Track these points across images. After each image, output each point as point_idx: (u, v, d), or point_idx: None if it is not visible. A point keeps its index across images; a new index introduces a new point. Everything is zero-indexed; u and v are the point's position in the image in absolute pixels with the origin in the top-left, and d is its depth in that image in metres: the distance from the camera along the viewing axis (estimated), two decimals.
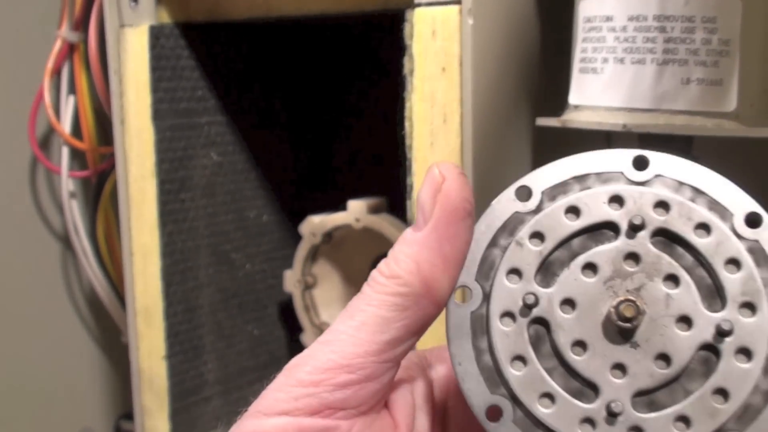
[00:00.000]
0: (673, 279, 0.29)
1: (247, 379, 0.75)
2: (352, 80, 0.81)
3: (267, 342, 0.77)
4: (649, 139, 0.48)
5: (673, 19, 0.44)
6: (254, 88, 0.73)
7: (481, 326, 0.31)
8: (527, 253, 0.30)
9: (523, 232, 0.31)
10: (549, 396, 0.30)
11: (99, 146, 0.79)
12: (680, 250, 0.29)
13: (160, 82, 0.64)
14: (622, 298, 0.29)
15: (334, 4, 0.57)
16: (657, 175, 0.30)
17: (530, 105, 0.57)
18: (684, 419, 0.29)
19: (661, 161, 0.30)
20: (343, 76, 0.81)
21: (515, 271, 0.30)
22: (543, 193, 0.31)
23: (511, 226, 0.31)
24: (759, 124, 0.45)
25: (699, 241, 0.29)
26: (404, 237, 0.31)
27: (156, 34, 0.64)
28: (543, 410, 0.30)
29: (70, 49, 0.78)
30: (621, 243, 0.30)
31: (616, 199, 0.30)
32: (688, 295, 0.29)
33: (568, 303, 0.30)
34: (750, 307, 0.29)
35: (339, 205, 0.70)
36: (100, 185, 0.80)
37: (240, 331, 0.74)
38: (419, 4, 0.51)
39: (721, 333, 0.28)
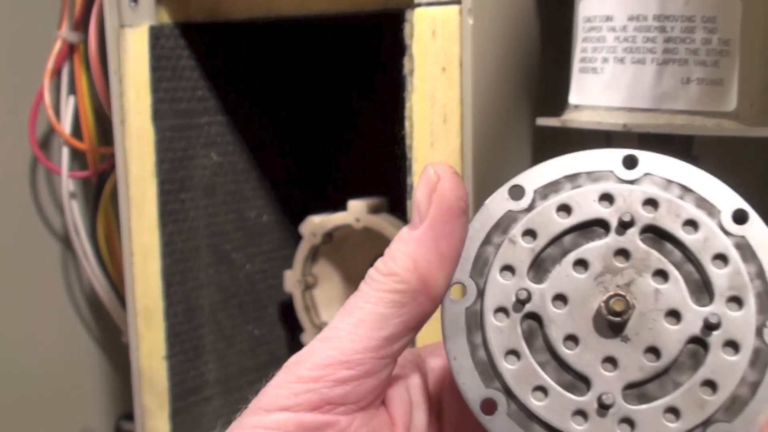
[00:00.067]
0: (662, 274, 0.30)
1: (248, 379, 0.75)
2: (352, 80, 0.81)
3: (267, 342, 0.77)
4: (649, 138, 0.48)
5: (673, 18, 0.44)
6: (254, 88, 0.73)
7: (475, 322, 0.31)
8: (520, 250, 0.31)
9: (516, 230, 0.31)
10: (542, 389, 0.30)
11: (99, 146, 0.79)
12: (669, 246, 0.30)
13: (160, 82, 0.64)
14: (612, 293, 0.30)
15: (334, 4, 0.57)
16: (646, 174, 0.31)
17: (530, 105, 0.57)
18: (673, 411, 0.29)
19: (650, 160, 0.31)
20: (343, 75, 0.81)
21: (508, 268, 0.31)
22: (535, 191, 0.32)
23: (504, 224, 0.32)
24: (759, 124, 0.45)
25: (687, 237, 0.30)
26: (401, 235, 0.32)
27: (156, 35, 0.64)
28: (536, 403, 0.30)
29: (70, 50, 0.78)
30: (611, 240, 0.30)
31: (607, 197, 0.31)
32: (676, 290, 0.30)
33: (560, 298, 0.31)
34: (737, 301, 0.29)
35: (339, 205, 0.70)
36: (100, 185, 0.80)
37: (240, 331, 0.74)
38: (419, 4, 0.51)
39: (709, 326, 0.29)
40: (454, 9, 0.50)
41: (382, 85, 0.76)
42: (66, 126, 0.79)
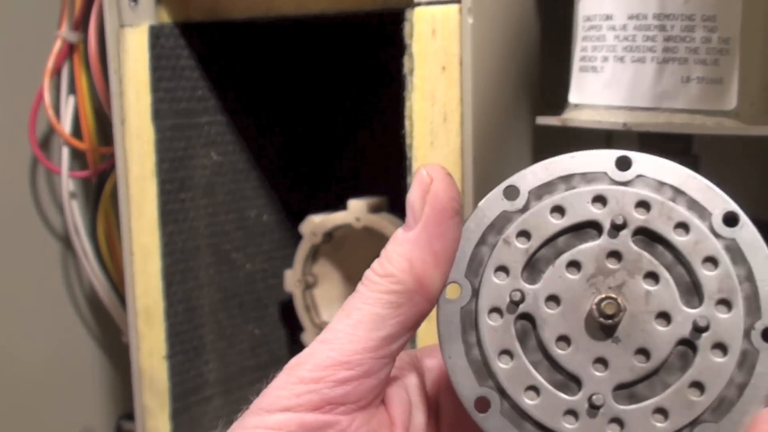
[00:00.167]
0: (653, 276, 0.30)
1: (248, 379, 0.75)
2: (352, 79, 0.81)
3: (268, 341, 0.77)
4: (649, 137, 0.48)
5: (672, 17, 0.44)
6: (254, 88, 0.73)
7: (470, 321, 0.32)
8: (514, 251, 0.31)
9: (511, 231, 0.31)
10: (534, 388, 0.31)
11: (99, 146, 0.79)
12: (660, 248, 0.30)
13: (160, 81, 0.64)
14: (603, 296, 0.30)
15: (334, 4, 0.57)
16: (639, 176, 0.31)
17: (530, 104, 0.57)
18: (662, 411, 0.30)
19: (643, 161, 0.31)
20: (343, 75, 0.81)
21: (503, 269, 0.31)
22: (530, 192, 0.32)
23: (499, 224, 0.32)
24: (759, 123, 0.45)
25: (678, 239, 0.30)
26: (396, 237, 0.32)
27: (156, 34, 0.64)
28: (529, 402, 0.31)
29: (70, 49, 0.78)
30: (604, 241, 0.31)
31: (600, 199, 0.31)
32: (667, 292, 0.30)
33: (553, 299, 0.31)
34: (726, 303, 0.30)
35: (339, 205, 0.70)
36: (100, 185, 0.80)
37: (241, 331, 0.74)
38: (419, 4, 0.51)
39: (698, 329, 0.29)
40: (453, 8, 0.50)
41: (382, 85, 0.76)
42: (66, 126, 0.79)
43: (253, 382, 0.76)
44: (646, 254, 0.30)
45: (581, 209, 0.31)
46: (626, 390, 0.30)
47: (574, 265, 0.31)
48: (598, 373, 0.30)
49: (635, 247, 0.30)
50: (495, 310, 0.31)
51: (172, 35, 0.65)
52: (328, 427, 0.30)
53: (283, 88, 0.76)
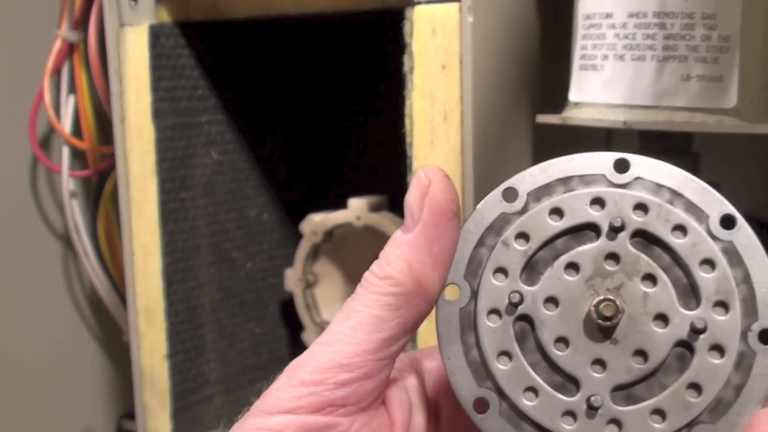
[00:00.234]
0: (651, 278, 0.30)
1: (249, 378, 0.75)
2: (353, 78, 0.81)
3: (268, 340, 0.77)
4: (649, 135, 0.48)
5: (672, 15, 0.44)
6: (254, 87, 0.73)
7: (469, 322, 0.32)
8: (513, 253, 0.31)
9: (509, 233, 0.32)
10: (533, 390, 0.31)
11: (99, 146, 0.79)
12: (658, 250, 0.31)
13: (160, 81, 0.64)
14: (602, 297, 0.30)
15: (334, 2, 0.57)
16: (637, 178, 0.31)
17: (530, 102, 0.57)
18: (660, 412, 0.30)
19: (641, 164, 0.31)
20: (343, 74, 0.81)
21: (501, 270, 0.32)
22: (528, 194, 0.32)
23: (497, 226, 0.32)
24: (759, 121, 0.45)
25: (676, 242, 0.30)
26: (394, 239, 0.32)
27: (156, 33, 0.64)
28: (527, 403, 0.31)
29: (70, 49, 0.78)
30: (602, 243, 0.31)
31: (598, 201, 0.31)
32: (664, 294, 0.30)
33: (552, 301, 0.31)
34: (723, 305, 0.30)
35: (340, 204, 0.70)
36: (100, 185, 0.80)
37: (241, 330, 0.74)
38: (419, 2, 0.51)
39: (695, 330, 0.30)
40: (453, 7, 0.50)
41: (382, 84, 0.76)
42: (66, 125, 0.79)
43: (253, 381, 0.76)
44: (644, 256, 0.30)
45: (580, 211, 0.31)
46: (624, 391, 0.30)
47: (573, 266, 0.31)
48: (596, 375, 0.30)
49: (633, 249, 0.31)
50: (494, 311, 0.31)
51: (172, 34, 0.65)
52: (329, 429, 0.31)
53: (283, 87, 0.76)
